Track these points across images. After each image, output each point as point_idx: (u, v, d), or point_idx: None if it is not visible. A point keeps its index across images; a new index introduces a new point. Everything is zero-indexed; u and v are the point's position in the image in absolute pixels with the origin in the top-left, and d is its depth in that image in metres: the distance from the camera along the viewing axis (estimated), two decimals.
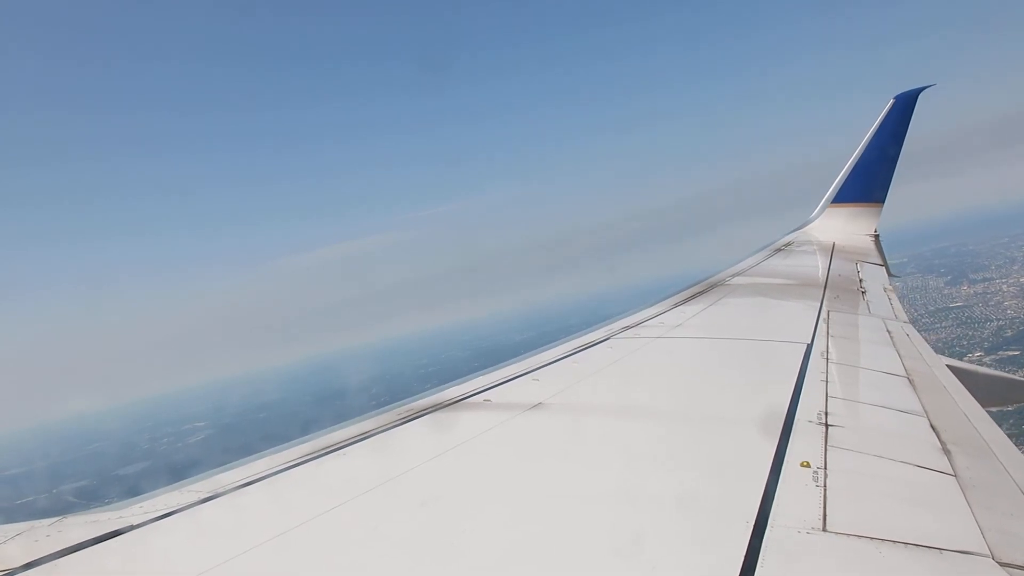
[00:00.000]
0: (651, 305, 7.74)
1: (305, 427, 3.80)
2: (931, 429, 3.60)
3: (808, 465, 2.87)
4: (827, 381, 4.31)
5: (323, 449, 3.38)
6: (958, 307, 60.24)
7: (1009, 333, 52.04)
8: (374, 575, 2.17)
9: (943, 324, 56.14)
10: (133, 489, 2.93)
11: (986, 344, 49.93)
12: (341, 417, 3.96)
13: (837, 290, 8.47)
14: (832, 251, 12.07)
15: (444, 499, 2.72)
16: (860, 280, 9.77)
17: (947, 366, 5.41)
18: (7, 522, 2.56)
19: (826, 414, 3.61)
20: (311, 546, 2.32)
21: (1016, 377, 7.01)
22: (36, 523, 2.53)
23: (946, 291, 65.96)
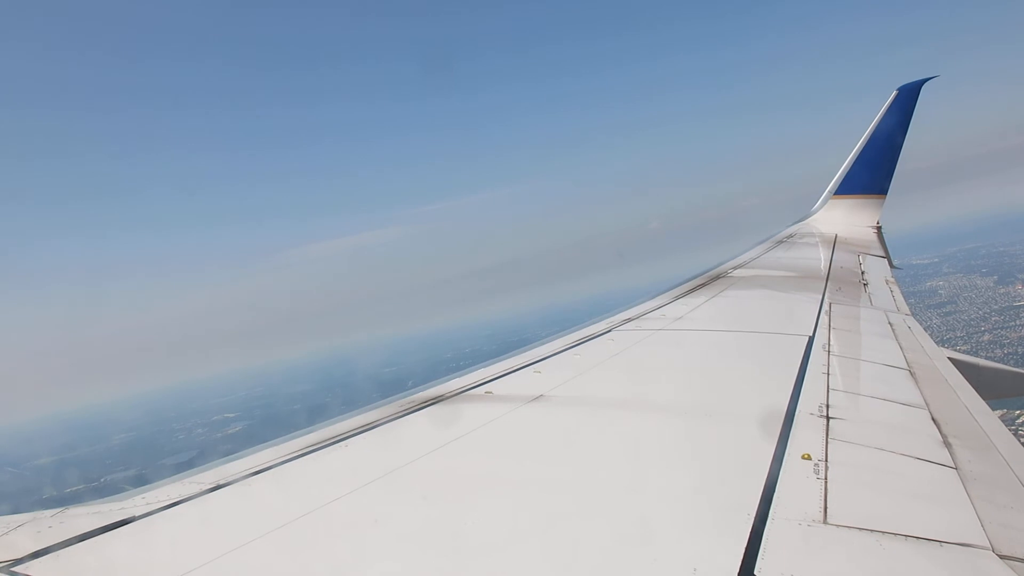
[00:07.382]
0: (653, 297, 7.73)
1: (324, 418, 3.81)
2: (932, 422, 3.60)
3: (809, 457, 2.87)
4: (828, 373, 4.31)
5: (326, 440, 3.39)
6: None
7: None
8: (376, 566, 2.18)
9: (1017, 323, 54.45)
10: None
11: None
12: (353, 408, 3.97)
13: (839, 282, 8.46)
14: (834, 243, 12.04)
15: (446, 490, 2.74)
16: (862, 272, 9.76)
17: (949, 359, 5.41)
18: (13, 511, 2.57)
19: (827, 407, 3.62)
20: (314, 537, 2.33)
21: (1017, 369, 7.01)
22: (39, 513, 2.54)
23: (1000, 291, 64.24)
